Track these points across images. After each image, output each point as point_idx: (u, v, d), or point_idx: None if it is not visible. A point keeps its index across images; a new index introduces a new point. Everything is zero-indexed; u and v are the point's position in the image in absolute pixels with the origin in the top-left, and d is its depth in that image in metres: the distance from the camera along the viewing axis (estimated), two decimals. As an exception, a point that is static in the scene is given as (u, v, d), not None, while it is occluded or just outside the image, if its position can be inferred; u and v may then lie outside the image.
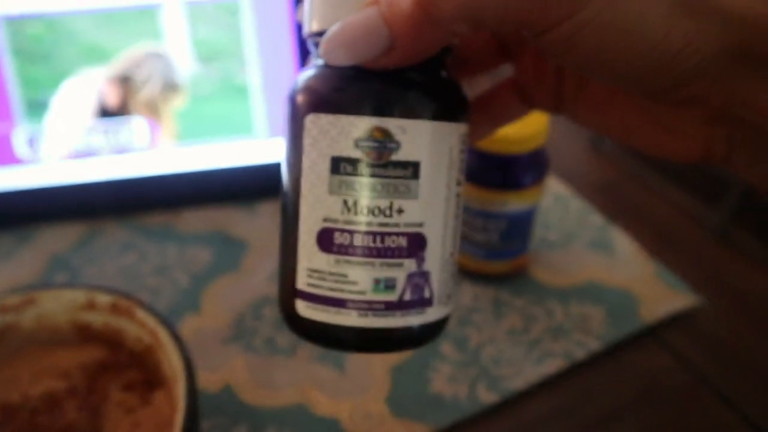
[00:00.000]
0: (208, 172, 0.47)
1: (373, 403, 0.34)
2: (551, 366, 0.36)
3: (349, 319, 0.18)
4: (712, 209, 0.47)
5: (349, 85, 0.17)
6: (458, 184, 0.20)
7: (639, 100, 0.21)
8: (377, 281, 0.18)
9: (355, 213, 0.18)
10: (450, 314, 0.21)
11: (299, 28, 0.45)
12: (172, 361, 0.27)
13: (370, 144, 0.17)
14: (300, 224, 0.19)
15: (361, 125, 0.17)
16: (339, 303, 0.18)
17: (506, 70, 0.25)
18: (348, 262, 0.18)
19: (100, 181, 0.46)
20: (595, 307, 0.40)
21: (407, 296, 0.18)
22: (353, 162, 0.17)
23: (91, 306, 0.30)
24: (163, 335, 0.28)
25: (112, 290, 0.30)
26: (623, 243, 0.45)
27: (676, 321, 0.40)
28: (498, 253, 0.40)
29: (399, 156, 0.18)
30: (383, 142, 0.17)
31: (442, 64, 0.19)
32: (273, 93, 0.47)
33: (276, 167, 0.47)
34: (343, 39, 0.17)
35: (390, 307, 0.18)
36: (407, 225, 0.18)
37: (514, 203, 0.37)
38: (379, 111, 0.17)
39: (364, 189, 0.18)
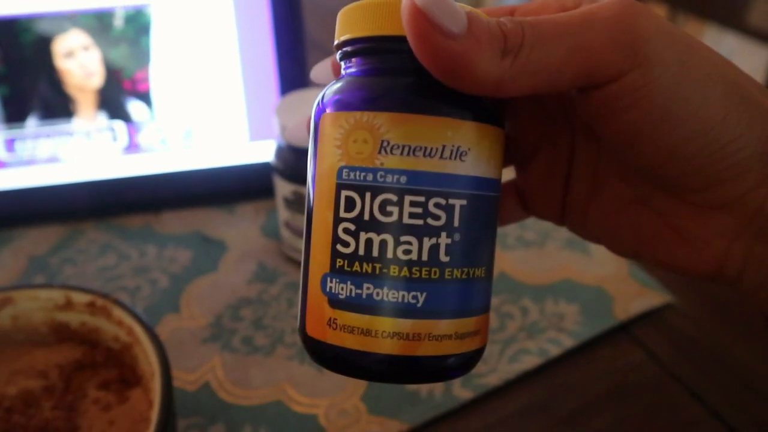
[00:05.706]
0: (188, 173, 0.48)
1: (349, 400, 0.34)
2: (526, 363, 0.37)
3: None
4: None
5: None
6: None
7: (657, 205, 0.20)
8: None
9: None
10: None
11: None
12: (149, 358, 0.27)
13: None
14: None
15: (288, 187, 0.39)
16: None
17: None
18: None
19: (80, 182, 0.46)
20: (569, 305, 0.41)
21: None
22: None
23: (68, 305, 0.31)
24: (140, 332, 0.28)
25: (89, 290, 0.30)
26: (598, 243, 0.46)
27: (648, 318, 0.41)
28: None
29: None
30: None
31: None
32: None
33: (254, 169, 0.48)
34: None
35: None
36: None
37: None
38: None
39: None
